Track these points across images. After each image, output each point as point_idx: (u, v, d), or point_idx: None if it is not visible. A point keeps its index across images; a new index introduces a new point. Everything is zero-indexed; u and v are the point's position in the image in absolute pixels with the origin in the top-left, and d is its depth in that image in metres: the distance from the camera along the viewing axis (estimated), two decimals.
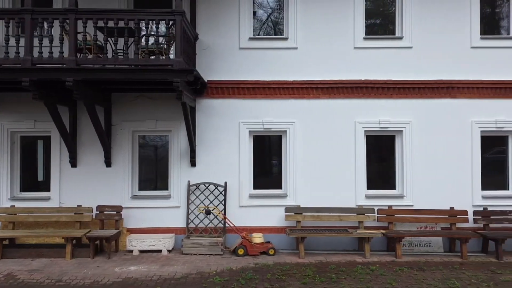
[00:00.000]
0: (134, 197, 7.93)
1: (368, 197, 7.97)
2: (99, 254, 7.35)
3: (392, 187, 8.15)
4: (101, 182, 7.84)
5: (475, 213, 7.74)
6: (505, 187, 8.14)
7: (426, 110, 7.97)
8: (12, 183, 7.93)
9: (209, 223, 7.78)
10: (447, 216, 7.76)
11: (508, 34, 8.13)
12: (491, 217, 7.72)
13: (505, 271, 6.52)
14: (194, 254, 7.36)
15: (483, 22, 8.17)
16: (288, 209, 7.76)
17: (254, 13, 8.19)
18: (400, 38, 7.99)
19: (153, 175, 8.32)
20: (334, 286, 5.81)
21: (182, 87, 6.30)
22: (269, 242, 7.64)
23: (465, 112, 7.95)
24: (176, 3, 6.15)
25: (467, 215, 7.73)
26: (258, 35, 8.22)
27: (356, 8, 7.95)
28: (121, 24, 6.17)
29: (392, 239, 7.49)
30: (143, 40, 6.38)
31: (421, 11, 7.96)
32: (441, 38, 7.95)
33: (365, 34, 8.04)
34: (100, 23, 6.19)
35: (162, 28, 6.30)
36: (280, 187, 8.15)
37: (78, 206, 7.68)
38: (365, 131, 8.00)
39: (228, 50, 7.95)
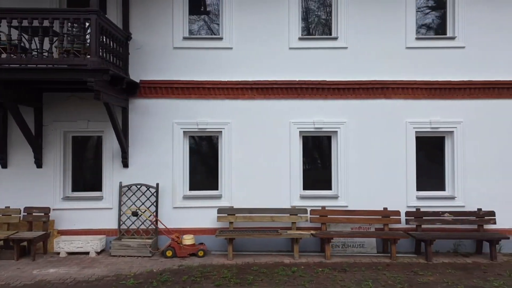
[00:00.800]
0: (66, 198, 7.83)
1: (303, 197, 7.92)
2: (26, 256, 7.25)
3: (328, 187, 8.11)
4: (32, 183, 7.73)
5: (407, 213, 7.72)
6: (442, 188, 8.12)
7: (361, 111, 7.94)
8: None
9: (141, 225, 7.70)
10: (380, 217, 7.74)
11: (444, 34, 8.11)
12: (424, 218, 7.70)
13: (427, 273, 6.49)
14: (122, 256, 7.28)
15: (419, 22, 8.17)
16: (220, 210, 7.70)
17: (189, 12, 8.11)
18: (335, 38, 7.96)
19: (88, 176, 8.21)
20: None
21: (100, 87, 6.22)
22: (202, 243, 7.58)
23: (400, 113, 7.93)
24: (91, 2, 6.07)
25: (400, 215, 7.71)
26: (193, 34, 8.15)
27: (291, 9, 7.90)
28: (37, 23, 6.08)
29: (322, 240, 7.44)
30: (60, 39, 6.28)
31: (356, 11, 7.92)
32: (376, 38, 7.93)
33: (301, 35, 8.00)
34: (15, 23, 6.10)
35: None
36: (216, 188, 8.08)
37: (6, 207, 7.56)
38: (300, 131, 7.96)
39: (162, 49, 7.89)
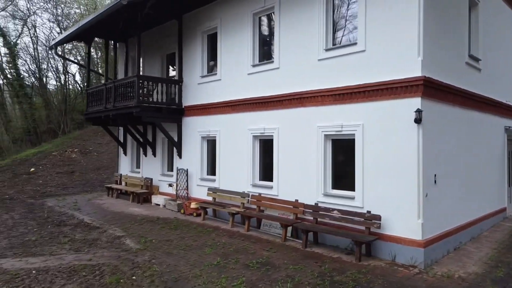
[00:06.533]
0: (162, 174, 14.16)
1: (254, 186, 10.52)
2: (136, 202, 14.15)
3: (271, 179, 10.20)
4: (145, 165, 14.62)
5: (305, 206, 8.80)
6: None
7: (288, 119, 9.59)
8: None
9: (181, 193, 12.88)
10: (292, 207, 9.22)
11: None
12: (320, 212, 8.52)
13: (272, 250, 8.08)
14: (169, 209, 12.78)
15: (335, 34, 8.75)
16: (209, 189, 11.68)
17: (208, 58, 12.43)
18: (272, 62, 10.02)
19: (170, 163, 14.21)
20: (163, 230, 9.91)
21: (143, 114, 12.05)
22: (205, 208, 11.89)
23: (313, 119, 8.96)
24: (133, 71, 11.96)
25: (303, 208, 8.90)
26: (206, 75, 12.39)
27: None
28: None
29: (244, 218, 9.92)
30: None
31: (287, 36, 9.65)
32: (297, 56, 9.35)
33: (255, 62, 10.59)
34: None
35: None
36: (214, 173, 11.97)
37: (145, 178, 14.82)
38: (253, 136, 10.58)
39: (193, 85, 12.71)
